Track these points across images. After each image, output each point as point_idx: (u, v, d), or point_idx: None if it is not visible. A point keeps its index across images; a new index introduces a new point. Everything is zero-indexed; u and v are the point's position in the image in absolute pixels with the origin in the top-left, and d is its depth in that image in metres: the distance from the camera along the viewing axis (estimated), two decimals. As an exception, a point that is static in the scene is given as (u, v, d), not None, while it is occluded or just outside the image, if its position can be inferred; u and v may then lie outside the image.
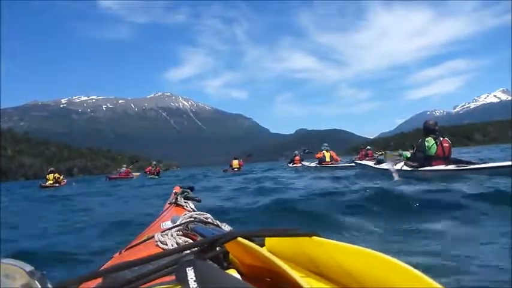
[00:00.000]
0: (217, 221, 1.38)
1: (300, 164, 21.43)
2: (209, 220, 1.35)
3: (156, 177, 23.67)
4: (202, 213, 1.41)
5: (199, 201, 2.30)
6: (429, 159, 8.01)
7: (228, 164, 25.79)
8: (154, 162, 25.17)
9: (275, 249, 0.80)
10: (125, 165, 27.57)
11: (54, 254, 3.21)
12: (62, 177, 22.91)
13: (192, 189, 2.50)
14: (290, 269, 0.59)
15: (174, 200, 2.25)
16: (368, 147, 25.66)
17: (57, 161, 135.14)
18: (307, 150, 24.17)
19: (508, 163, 6.72)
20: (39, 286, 0.55)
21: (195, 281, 0.59)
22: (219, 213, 3.65)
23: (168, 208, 2.23)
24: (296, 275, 0.57)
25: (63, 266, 2.80)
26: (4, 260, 0.56)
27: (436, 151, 7.95)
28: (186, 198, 2.27)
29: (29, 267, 0.56)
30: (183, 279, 0.60)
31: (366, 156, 22.20)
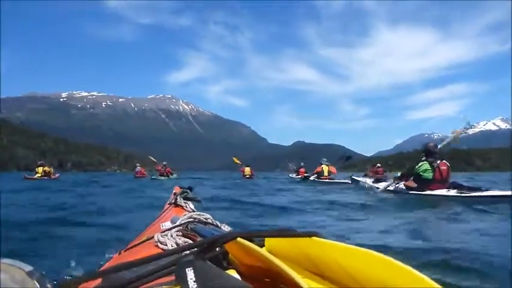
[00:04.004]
0: (217, 222, 1.38)
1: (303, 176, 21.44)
2: (209, 220, 1.35)
3: (164, 178, 23.01)
4: (201, 213, 1.41)
5: (198, 201, 2.32)
6: (426, 183, 7.82)
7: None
8: (164, 163, 24.71)
9: (275, 250, 0.80)
10: (138, 164, 27.47)
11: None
12: (51, 170, 22.62)
13: (191, 189, 2.52)
14: (290, 269, 0.59)
15: (173, 201, 2.26)
16: (378, 164, 25.56)
17: (53, 155, 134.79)
18: (302, 164, 24.59)
19: None
20: (38, 286, 0.55)
21: (194, 282, 0.59)
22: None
23: (167, 208, 2.23)
24: (296, 275, 0.57)
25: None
26: (3, 260, 0.56)
27: (433, 175, 7.78)
28: (186, 198, 2.28)
29: (28, 268, 0.56)
30: (182, 280, 0.60)
31: (376, 174, 22.08)
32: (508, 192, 6.52)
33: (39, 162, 22.43)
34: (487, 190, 6.90)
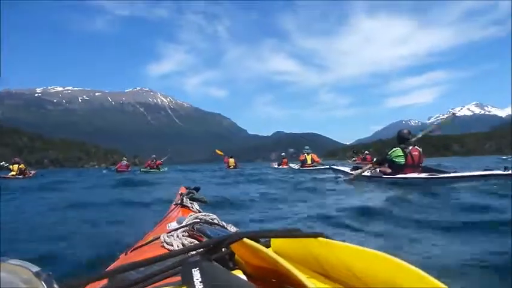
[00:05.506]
0: (223, 222, 1.39)
1: (287, 166, 22.23)
2: (215, 221, 1.35)
3: (156, 170, 22.94)
4: (208, 214, 1.41)
5: (205, 202, 2.29)
6: (399, 168, 8.21)
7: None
8: (153, 156, 24.43)
9: (281, 250, 0.80)
10: (125, 158, 27.17)
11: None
12: (27, 168, 21.74)
13: (197, 190, 2.48)
14: (296, 270, 0.59)
15: (179, 201, 2.22)
16: (366, 152, 25.89)
17: (29, 152, 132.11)
18: (294, 153, 24.80)
19: (480, 173, 7.04)
20: (45, 287, 0.55)
21: (200, 282, 0.59)
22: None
23: (173, 209, 2.21)
24: (302, 276, 0.57)
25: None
26: (11, 261, 0.57)
27: (405, 160, 8.16)
28: (192, 199, 2.26)
29: (35, 268, 0.57)
30: (188, 280, 0.60)
31: (364, 161, 22.38)
32: (472, 173, 7.25)
33: (13, 160, 21.14)
34: (455, 172, 7.59)
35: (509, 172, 6.65)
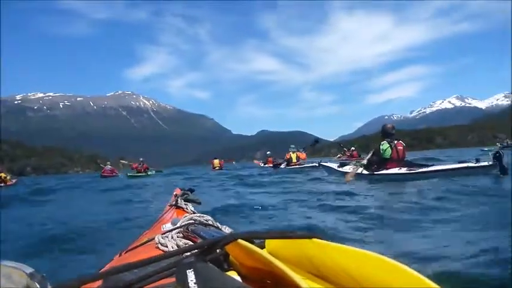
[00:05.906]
0: (218, 223, 1.39)
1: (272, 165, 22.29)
2: (209, 222, 1.35)
3: (142, 174, 22.52)
4: (202, 215, 1.41)
5: (199, 203, 2.29)
6: (384, 162, 8.50)
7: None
8: (141, 159, 24.16)
9: (276, 251, 0.80)
10: (109, 163, 27.23)
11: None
12: (8, 176, 21.53)
13: (192, 191, 2.47)
14: (291, 271, 0.59)
15: (174, 202, 2.23)
16: (352, 148, 26.67)
17: (11, 160, 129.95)
18: (269, 153, 25.36)
19: (457, 165, 7.42)
20: None
21: (195, 283, 0.59)
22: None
23: (168, 210, 2.21)
24: (297, 277, 0.57)
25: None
26: (5, 262, 0.56)
27: (391, 154, 8.46)
28: (187, 200, 2.26)
29: (29, 269, 0.56)
30: (183, 281, 0.60)
31: (351, 157, 22.93)
32: (448, 166, 7.71)
33: None
34: (432, 165, 7.97)
35: (481, 164, 7.06)
